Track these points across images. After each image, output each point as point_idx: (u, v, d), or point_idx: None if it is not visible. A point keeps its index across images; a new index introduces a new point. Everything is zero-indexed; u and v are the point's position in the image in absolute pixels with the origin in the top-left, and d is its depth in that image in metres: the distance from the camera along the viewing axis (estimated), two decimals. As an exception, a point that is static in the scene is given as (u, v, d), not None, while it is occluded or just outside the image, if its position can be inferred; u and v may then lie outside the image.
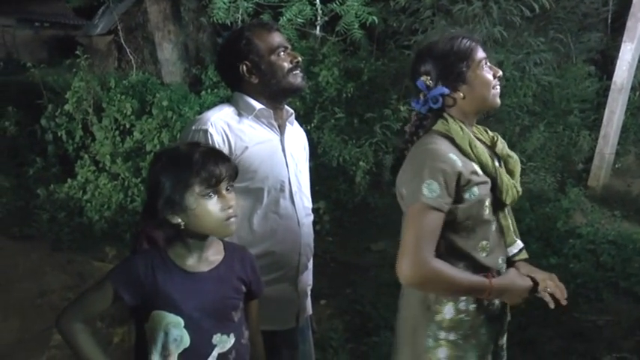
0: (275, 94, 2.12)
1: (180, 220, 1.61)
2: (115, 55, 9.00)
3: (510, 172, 1.85)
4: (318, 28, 6.39)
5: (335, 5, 5.96)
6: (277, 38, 2.12)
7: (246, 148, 2.03)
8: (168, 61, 7.04)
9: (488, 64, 1.80)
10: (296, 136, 2.28)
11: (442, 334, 1.75)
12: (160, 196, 1.61)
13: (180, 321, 1.63)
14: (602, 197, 6.56)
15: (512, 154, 1.89)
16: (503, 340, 1.91)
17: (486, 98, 1.78)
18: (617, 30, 7.43)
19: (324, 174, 5.78)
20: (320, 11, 6.16)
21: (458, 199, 1.67)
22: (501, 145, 1.89)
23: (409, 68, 1.88)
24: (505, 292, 1.74)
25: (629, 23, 6.58)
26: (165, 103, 5.66)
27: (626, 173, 7.25)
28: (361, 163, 5.86)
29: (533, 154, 6.61)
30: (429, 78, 1.78)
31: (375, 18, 5.79)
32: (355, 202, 5.91)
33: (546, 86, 7.14)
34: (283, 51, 2.12)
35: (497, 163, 1.81)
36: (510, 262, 1.87)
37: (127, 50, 7.82)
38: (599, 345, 3.73)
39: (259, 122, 2.11)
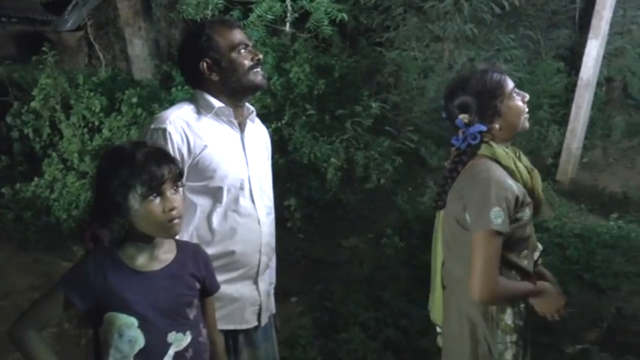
0: (235, 92, 2.10)
1: (124, 221, 1.61)
2: (85, 51, 8.87)
3: (534, 185, 2.00)
4: (288, 24, 6.36)
5: (305, 2, 5.93)
6: (238, 35, 2.10)
7: (206, 146, 2.01)
8: (139, 57, 6.95)
9: (516, 90, 1.95)
10: (257, 134, 2.26)
11: (507, 338, 1.94)
12: (105, 197, 1.60)
13: (134, 321, 1.61)
14: (570, 191, 6.67)
15: (533, 167, 2.02)
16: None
17: (519, 125, 1.96)
18: (584, 27, 7.54)
19: (295, 171, 5.77)
20: (290, 8, 6.12)
21: (513, 219, 1.85)
22: (525, 160, 2.02)
23: (444, 104, 2.01)
24: (543, 294, 1.96)
25: (593, 21, 6.69)
26: (134, 100, 5.59)
27: (593, 167, 7.37)
28: (332, 159, 5.85)
29: (503, 149, 6.66)
30: (466, 116, 1.93)
31: (344, 15, 5.77)
32: (326, 199, 5.90)
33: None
34: (244, 48, 2.09)
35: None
36: (536, 265, 2.08)
37: (97, 47, 7.71)
38: (564, 337, 3.78)
39: (219, 120, 2.09)
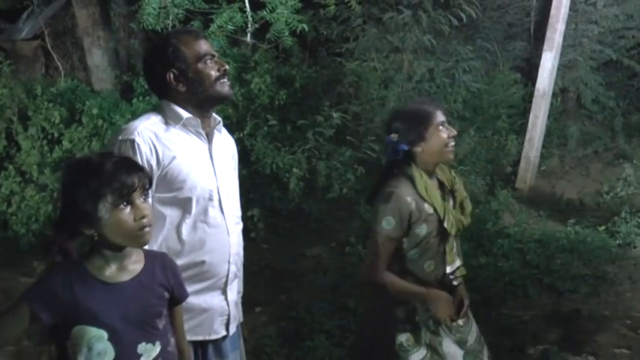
0: (202, 103, 2.12)
1: (93, 232, 1.60)
2: (42, 61, 8.68)
3: (462, 208, 2.39)
4: (249, 35, 6.38)
5: (265, 13, 5.96)
6: (204, 46, 2.12)
7: (174, 157, 2.02)
8: (99, 67, 6.86)
9: (446, 125, 2.31)
10: (224, 144, 2.28)
11: (399, 326, 2.33)
12: (72, 208, 1.59)
13: (104, 334, 1.60)
14: (529, 198, 6.83)
15: (466, 194, 2.43)
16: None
17: (440, 153, 2.30)
18: (539, 39, 7.72)
19: (257, 181, 5.77)
20: (250, 18, 6.15)
21: (408, 232, 2.25)
22: (458, 186, 2.42)
23: (384, 124, 2.41)
24: (434, 301, 2.27)
25: (548, 33, 6.89)
26: (95, 111, 5.52)
27: (551, 175, 7.56)
28: (295, 169, 5.87)
29: (464, 158, 6.79)
30: (397, 136, 2.29)
31: (305, 26, 5.82)
32: (289, 209, 5.92)
33: (475, 93, 7.35)
34: (210, 59, 2.11)
35: (450, 203, 2.37)
36: (448, 277, 2.38)
37: (55, 56, 7.58)
38: (525, 338, 3.90)
39: (187, 131, 2.10)
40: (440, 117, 2.31)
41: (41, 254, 4.97)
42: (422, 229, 2.26)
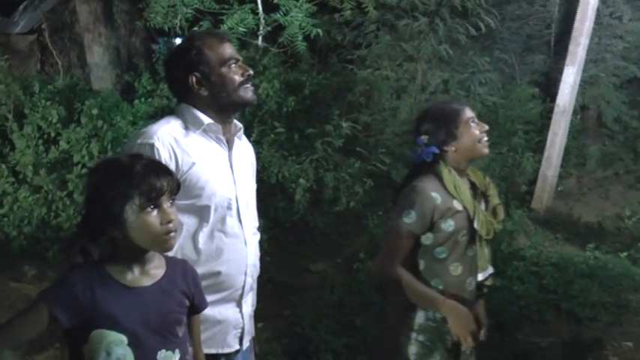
0: (224, 108, 2.16)
1: (117, 233, 1.63)
2: (37, 56, 8.75)
3: (495, 214, 2.40)
4: (260, 38, 6.45)
5: (279, 15, 6.03)
6: (229, 50, 2.17)
7: (194, 163, 2.06)
8: (98, 65, 6.91)
9: (476, 120, 2.36)
10: (244, 152, 2.32)
11: (413, 335, 2.31)
12: (97, 207, 1.63)
13: (123, 339, 1.63)
14: (545, 220, 6.86)
15: (499, 201, 2.45)
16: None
17: (474, 149, 2.34)
18: (559, 53, 7.81)
19: (262, 191, 5.72)
20: (263, 21, 6.22)
21: (435, 228, 2.26)
22: (492, 192, 2.45)
23: (414, 126, 2.45)
24: (452, 314, 2.22)
25: (570, 47, 6.95)
26: (95, 112, 5.56)
27: (568, 196, 7.59)
28: (301, 180, 5.91)
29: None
30: (427, 137, 2.34)
31: (319, 31, 5.89)
32: (294, 221, 5.95)
33: (491, 107, 7.41)
34: (234, 63, 2.16)
35: (482, 205, 2.39)
36: (480, 285, 2.39)
37: (54, 52, 7.64)
38: (543, 366, 3.93)
39: (207, 137, 2.14)
40: (468, 113, 2.36)
41: (33, 259, 5.02)
42: (449, 225, 2.26)
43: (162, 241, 1.66)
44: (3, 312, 4.14)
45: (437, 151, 2.32)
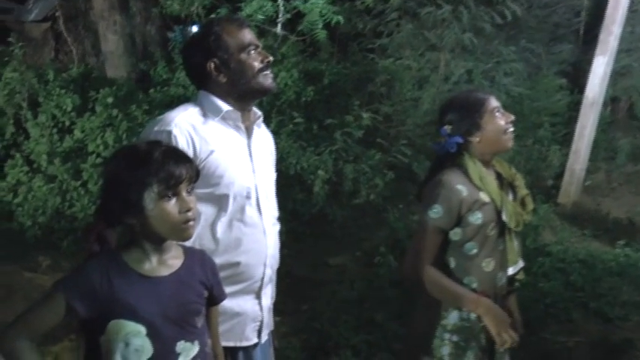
0: (243, 95, 2.16)
1: (135, 222, 1.64)
2: (51, 44, 8.82)
3: (523, 205, 2.37)
4: (279, 25, 6.44)
5: (298, 2, 6.02)
6: (248, 36, 2.16)
7: (212, 151, 2.06)
8: (113, 54, 6.95)
9: (501, 111, 2.32)
10: (263, 140, 2.32)
11: (447, 335, 2.28)
12: (115, 195, 1.63)
13: (142, 329, 1.63)
14: (572, 215, 6.80)
15: (527, 191, 2.42)
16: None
17: (499, 141, 2.30)
18: (589, 42, 7.70)
19: (280, 182, 5.70)
20: (282, 8, 6.21)
21: (463, 222, 2.23)
22: (519, 182, 2.41)
23: (438, 116, 2.42)
24: (489, 313, 2.19)
25: (601, 36, 6.84)
26: (110, 100, 5.61)
27: (596, 191, 7.51)
28: (320, 171, 5.92)
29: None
30: (450, 127, 2.32)
31: (340, 18, 5.87)
32: (312, 214, 5.95)
33: (516, 98, 7.35)
34: (254, 49, 2.15)
35: (510, 196, 2.35)
36: (511, 280, 2.37)
37: (68, 40, 7.70)
38: (571, 367, 3.90)
39: (226, 124, 2.14)
40: (494, 102, 2.32)
41: (47, 249, 5.07)
42: (477, 218, 2.23)
43: (180, 230, 1.66)
44: (17, 303, 4.18)
45: (461, 141, 2.29)
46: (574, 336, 4.30)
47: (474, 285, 2.26)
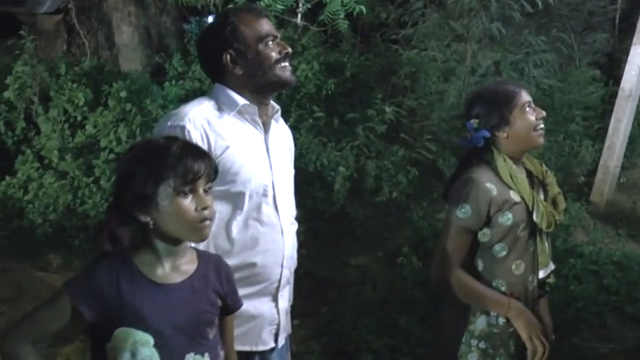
0: (261, 88, 2.15)
1: (149, 219, 1.61)
2: (63, 37, 8.86)
3: (555, 204, 2.34)
4: (299, 16, 6.43)
5: (320, -10, 6.00)
6: (266, 26, 2.15)
7: (228, 147, 2.05)
8: (127, 46, 7.00)
9: (532, 106, 2.28)
10: (281, 135, 2.31)
11: (474, 342, 2.25)
12: (129, 189, 1.60)
13: (150, 339, 1.61)
14: (606, 214, 6.71)
15: (559, 190, 2.39)
16: None
17: (528, 138, 2.27)
18: (625, 31, 7.60)
19: (299, 179, 5.71)
20: (303, -3, 6.20)
21: (492, 222, 2.20)
22: (550, 180, 2.39)
23: (465, 109, 2.39)
24: (520, 317, 2.19)
25: (639, 24, 6.74)
26: (123, 94, 5.64)
27: (632, 189, 7.40)
28: (341, 168, 5.91)
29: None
30: (477, 121, 2.28)
31: (363, 8, 5.82)
32: (333, 212, 5.94)
33: (547, 90, 7.26)
34: (272, 40, 2.14)
35: (541, 195, 2.33)
36: (542, 283, 2.35)
37: (81, 33, 7.74)
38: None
39: (242, 119, 2.13)
40: (525, 97, 2.28)
41: (58, 247, 5.11)
42: (507, 219, 2.20)
43: (196, 229, 1.64)
44: (28, 302, 4.22)
45: (488, 135, 2.26)
46: (608, 342, 4.25)
47: (503, 288, 2.24)
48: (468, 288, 2.22)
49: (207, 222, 1.64)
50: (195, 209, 1.61)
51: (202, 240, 1.70)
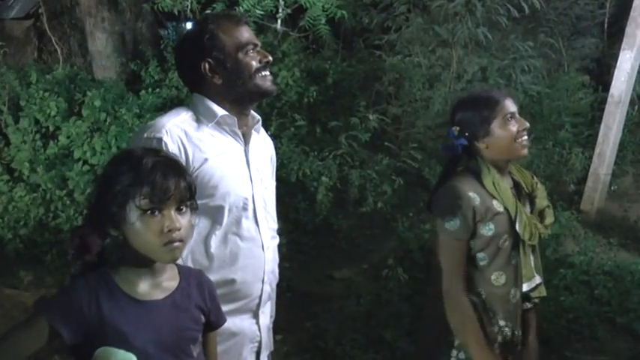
0: (240, 98, 2.15)
1: (119, 235, 1.60)
2: (34, 43, 8.82)
3: (542, 218, 2.35)
4: (279, 21, 6.45)
5: (300, -4, 6.03)
6: (246, 34, 2.16)
7: (206, 160, 2.05)
8: (101, 53, 6.97)
9: (516, 117, 2.27)
10: (262, 146, 2.32)
11: (454, 352, 2.28)
12: (102, 203, 1.60)
13: (133, 358, 1.60)
14: (597, 223, 6.77)
15: (548, 203, 2.40)
16: None
17: (509, 149, 2.27)
18: (614, 36, 7.69)
19: (281, 190, 5.70)
20: (282, 2, 6.22)
21: (475, 232, 2.22)
22: (540, 193, 2.39)
23: (450, 116, 2.40)
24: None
25: (628, 29, 6.81)
26: (97, 103, 5.63)
27: (623, 197, 7.48)
28: (324, 178, 5.92)
29: (520, 172, 6.77)
30: (458, 129, 2.30)
31: (344, 13, 5.86)
32: (316, 223, 5.95)
33: (535, 97, 7.32)
34: (252, 49, 2.15)
35: (527, 208, 2.33)
36: (527, 297, 2.36)
37: (52, 39, 7.71)
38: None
39: (221, 130, 2.13)
40: (508, 107, 2.27)
41: (29, 263, 5.07)
42: (488, 230, 2.22)
43: (161, 252, 1.60)
44: (-3, 322, 4.19)
45: (465, 143, 2.28)
46: (600, 354, 4.28)
47: (484, 297, 2.27)
48: (465, 314, 2.23)
49: (176, 244, 1.60)
50: (160, 231, 1.58)
51: (172, 262, 1.68)
